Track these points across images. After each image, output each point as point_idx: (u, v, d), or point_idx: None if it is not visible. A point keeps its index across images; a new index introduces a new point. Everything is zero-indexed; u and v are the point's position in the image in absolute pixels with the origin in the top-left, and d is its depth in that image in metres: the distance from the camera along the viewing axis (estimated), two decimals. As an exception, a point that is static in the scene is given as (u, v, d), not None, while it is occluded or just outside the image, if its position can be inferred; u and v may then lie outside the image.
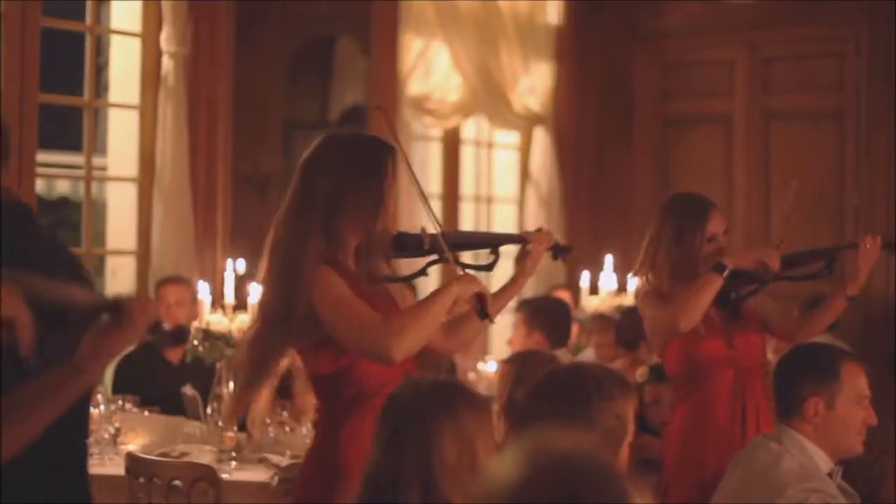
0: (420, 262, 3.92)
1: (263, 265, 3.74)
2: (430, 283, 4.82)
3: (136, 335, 2.61)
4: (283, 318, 3.60)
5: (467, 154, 10.33)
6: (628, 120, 10.86)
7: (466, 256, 4.07)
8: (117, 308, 2.58)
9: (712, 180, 10.36)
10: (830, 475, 3.87)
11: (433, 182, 9.92)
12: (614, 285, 8.65)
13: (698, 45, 10.61)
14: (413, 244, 3.87)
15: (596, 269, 8.67)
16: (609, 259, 8.68)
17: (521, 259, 4.16)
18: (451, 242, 3.86)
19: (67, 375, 2.54)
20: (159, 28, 7.68)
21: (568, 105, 10.46)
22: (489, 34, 9.63)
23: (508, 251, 4.25)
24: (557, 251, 4.31)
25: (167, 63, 7.67)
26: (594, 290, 8.66)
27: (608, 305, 8.32)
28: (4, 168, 2.96)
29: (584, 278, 8.67)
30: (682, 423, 4.92)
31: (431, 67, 9.48)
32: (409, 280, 3.92)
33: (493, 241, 4.25)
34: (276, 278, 3.67)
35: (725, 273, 4.66)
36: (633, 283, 8.76)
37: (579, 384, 3.20)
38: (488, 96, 9.70)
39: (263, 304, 3.74)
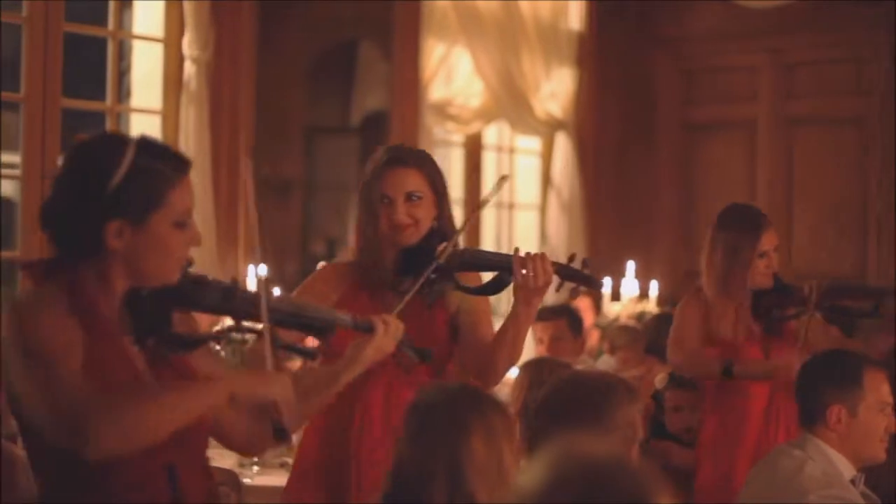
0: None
1: None
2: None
3: (383, 351, 3.11)
4: None
5: (489, 160, 10.32)
6: (650, 125, 10.84)
7: (472, 278, 3.97)
8: (370, 328, 3.08)
9: (735, 186, 10.33)
10: (853, 482, 3.86)
11: (455, 188, 9.90)
12: (636, 291, 8.63)
13: (721, 51, 10.59)
14: (426, 259, 3.81)
15: (618, 275, 8.66)
16: (631, 265, 8.67)
17: (515, 289, 3.85)
18: (466, 262, 3.89)
19: (329, 382, 3.09)
20: (181, 33, 7.69)
21: (590, 110, 10.44)
22: (511, 39, 9.62)
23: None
24: (575, 279, 4.01)
25: (189, 68, 7.69)
26: (616, 296, 8.65)
27: (630, 311, 8.30)
28: None
29: (606, 284, 8.65)
30: (713, 436, 4.92)
31: (453, 72, 9.48)
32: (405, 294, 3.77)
33: (501, 264, 3.90)
34: None
35: (728, 377, 4.80)
36: (655, 288, 8.80)
37: (586, 393, 3.20)
38: (510, 102, 9.69)
39: None
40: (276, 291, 6.54)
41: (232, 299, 2.84)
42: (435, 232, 3.89)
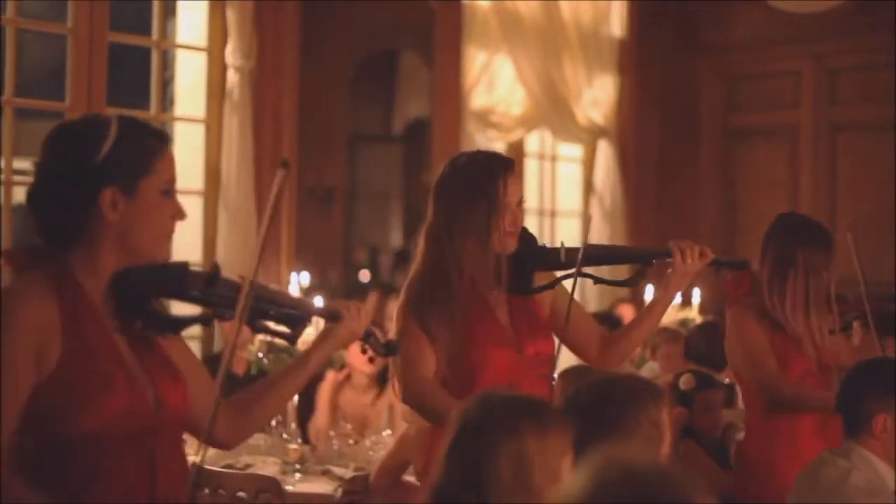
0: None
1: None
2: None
3: (352, 336, 3.18)
4: None
5: (531, 167, 10.32)
6: (692, 132, 10.81)
7: (604, 271, 4.10)
8: (335, 316, 3.15)
9: (778, 193, 10.30)
10: (899, 491, 3.84)
11: (496, 195, 9.91)
12: (679, 299, 8.61)
13: (763, 57, 10.55)
14: (550, 258, 3.99)
15: (660, 282, 8.63)
16: (673, 272, 8.63)
17: (668, 274, 4.18)
18: (593, 257, 4.01)
19: (299, 364, 3.13)
20: (225, 42, 7.74)
21: (632, 117, 10.43)
22: (553, 47, 9.62)
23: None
24: (725, 265, 4.33)
25: (232, 76, 7.73)
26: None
27: (672, 319, 8.28)
28: None
29: (649, 292, 8.63)
30: (761, 444, 4.87)
31: (495, 80, 9.49)
32: (533, 293, 3.99)
33: (633, 256, 4.31)
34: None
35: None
36: (697, 296, 8.77)
37: (611, 395, 3.19)
38: (552, 109, 9.69)
39: None
40: (319, 299, 6.57)
41: (215, 284, 2.91)
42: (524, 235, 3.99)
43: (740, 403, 7.17)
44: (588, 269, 4.05)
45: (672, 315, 8.34)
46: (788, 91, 10.46)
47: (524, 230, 3.96)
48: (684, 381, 5.62)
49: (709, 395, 5.58)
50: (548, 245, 4.03)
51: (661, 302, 4.22)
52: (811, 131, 10.31)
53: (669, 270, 4.14)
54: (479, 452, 2.65)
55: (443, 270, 3.83)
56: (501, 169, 3.87)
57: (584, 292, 9.56)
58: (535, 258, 3.95)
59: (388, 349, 3.38)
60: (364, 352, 3.33)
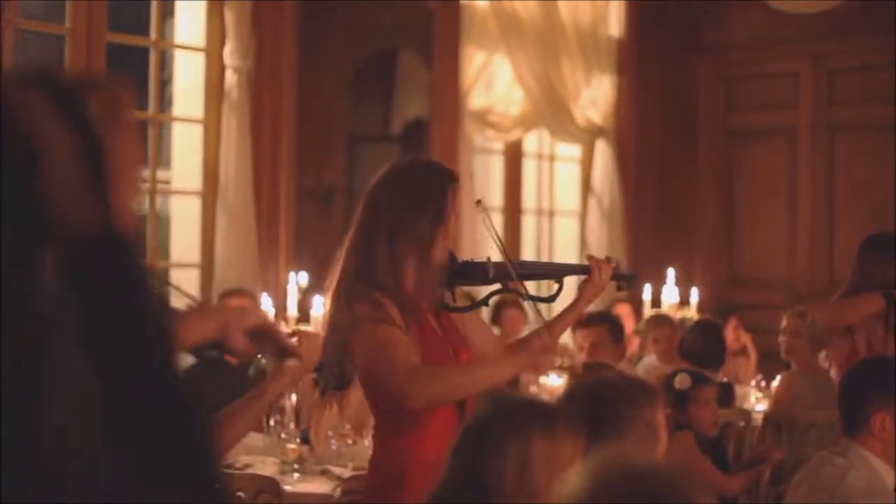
0: (483, 290, 3.97)
1: (332, 283, 3.75)
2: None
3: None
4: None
5: (529, 167, 10.33)
6: (691, 132, 10.81)
7: (530, 286, 4.01)
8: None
9: (776, 193, 10.31)
10: (897, 491, 3.84)
11: (495, 195, 9.92)
12: (676, 298, 8.63)
13: (761, 57, 10.55)
14: (478, 273, 3.86)
15: (658, 282, 8.65)
16: (671, 272, 8.66)
17: (583, 286, 4.08)
18: (516, 272, 3.87)
19: (257, 394, 3.34)
20: (223, 42, 7.74)
21: (630, 118, 10.43)
22: (551, 47, 9.63)
23: (571, 280, 4.20)
24: (621, 279, 4.30)
25: (231, 77, 7.73)
26: (656, 303, 8.65)
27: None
28: None
29: (647, 291, 8.65)
30: None
31: (493, 80, 9.49)
32: (467, 310, 3.95)
33: (557, 272, 4.13)
34: (337, 300, 3.71)
35: None
36: (695, 295, 8.78)
37: (605, 395, 3.19)
38: (550, 109, 9.70)
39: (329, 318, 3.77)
40: (318, 299, 6.57)
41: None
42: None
43: (738, 402, 7.20)
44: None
45: (670, 314, 8.35)
46: (787, 91, 10.46)
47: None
48: (679, 381, 5.63)
49: (704, 391, 5.63)
50: (470, 260, 3.91)
51: (574, 312, 4.10)
52: (810, 132, 10.31)
53: (583, 282, 4.07)
54: (484, 453, 2.64)
55: (375, 276, 3.67)
56: (448, 179, 3.76)
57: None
58: (460, 274, 3.82)
59: (340, 383, 3.50)
60: (317, 384, 3.37)
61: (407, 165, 3.86)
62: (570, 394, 3.31)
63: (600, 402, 3.17)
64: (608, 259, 4.15)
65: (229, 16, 7.69)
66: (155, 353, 1.69)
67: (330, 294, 3.74)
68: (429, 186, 3.74)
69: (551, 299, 4.02)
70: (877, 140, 10.00)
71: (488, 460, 2.63)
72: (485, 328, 4.20)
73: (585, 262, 4.10)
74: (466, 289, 5.15)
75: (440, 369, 3.64)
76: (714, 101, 10.79)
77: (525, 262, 4.38)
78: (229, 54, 7.72)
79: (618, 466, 1.77)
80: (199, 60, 7.91)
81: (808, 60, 10.30)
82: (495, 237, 3.86)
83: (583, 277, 4.10)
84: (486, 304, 4.00)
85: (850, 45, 10.11)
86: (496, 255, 3.89)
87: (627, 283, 4.35)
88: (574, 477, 1.77)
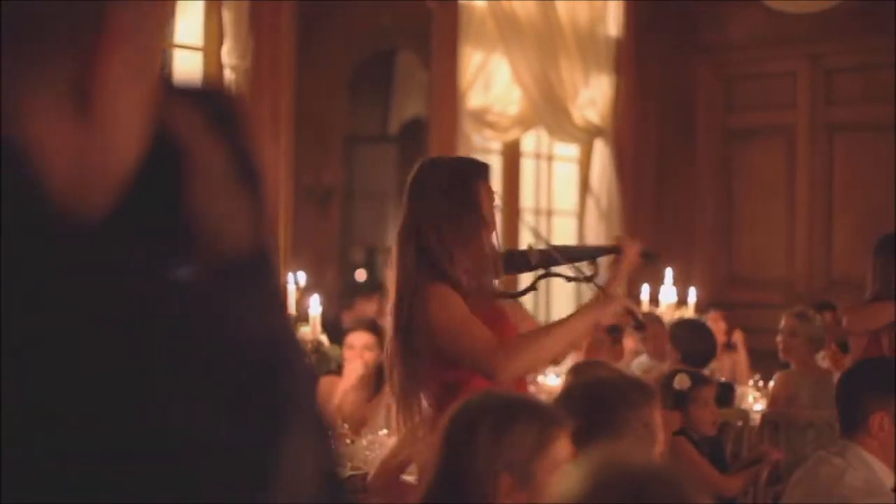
0: (528, 277, 4.16)
1: (390, 283, 3.84)
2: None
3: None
4: (407, 331, 3.72)
5: (527, 167, 10.33)
6: (689, 132, 10.81)
7: (565, 270, 4.19)
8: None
9: (775, 193, 10.31)
10: (895, 490, 3.84)
11: (493, 195, 9.91)
12: (674, 298, 8.62)
13: (760, 57, 10.55)
14: (521, 261, 4.07)
15: (656, 281, 8.64)
16: (669, 272, 8.66)
17: (614, 265, 4.23)
18: (564, 256, 4.10)
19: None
20: (221, 42, 7.74)
21: (628, 117, 10.43)
22: (549, 47, 9.62)
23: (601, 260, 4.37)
24: (647, 256, 4.40)
25: (228, 76, 7.73)
26: (654, 302, 8.65)
27: (668, 318, 8.29)
28: None
29: (644, 291, 8.65)
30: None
31: (491, 80, 9.49)
32: (518, 296, 4.16)
33: (591, 254, 4.35)
34: (397, 296, 3.77)
35: None
36: (693, 295, 8.77)
37: (602, 395, 3.19)
38: (548, 109, 9.69)
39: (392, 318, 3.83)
40: (315, 298, 6.57)
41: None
42: None
43: (737, 402, 7.21)
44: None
45: (669, 315, 8.35)
46: (785, 91, 10.46)
47: None
48: (678, 381, 5.63)
49: (704, 391, 5.62)
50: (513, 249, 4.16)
51: (610, 288, 4.15)
52: (808, 132, 10.32)
53: (613, 260, 4.22)
54: (476, 451, 2.63)
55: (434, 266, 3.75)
56: (483, 171, 3.90)
57: (581, 286, 9.55)
58: (505, 263, 3.97)
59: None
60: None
61: (440, 159, 4.09)
62: (568, 393, 3.31)
63: (598, 402, 3.16)
64: (630, 237, 4.46)
65: (227, 15, 7.69)
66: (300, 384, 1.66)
67: (392, 286, 3.80)
68: (466, 177, 3.84)
69: (590, 279, 4.18)
70: (875, 140, 10.00)
71: (479, 459, 2.62)
72: (528, 316, 4.38)
73: (613, 244, 4.31)
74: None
75: (519, 338, 3.77)
76: (712, 101, 10.79)
77: (558, 246, 4.45)
78: (227, 54, 7.71)
79: (615, 466, 1.76)
80: (196, 60, 7.91)
81: (806, 60, 10.30)
82: (533, 228, 4.10)
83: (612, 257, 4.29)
84: (535, 289, 4.18)
85: (848, 45, 10.11)
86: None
87: (651, 259, 4.47)
88: (570, 477, 1.76)
